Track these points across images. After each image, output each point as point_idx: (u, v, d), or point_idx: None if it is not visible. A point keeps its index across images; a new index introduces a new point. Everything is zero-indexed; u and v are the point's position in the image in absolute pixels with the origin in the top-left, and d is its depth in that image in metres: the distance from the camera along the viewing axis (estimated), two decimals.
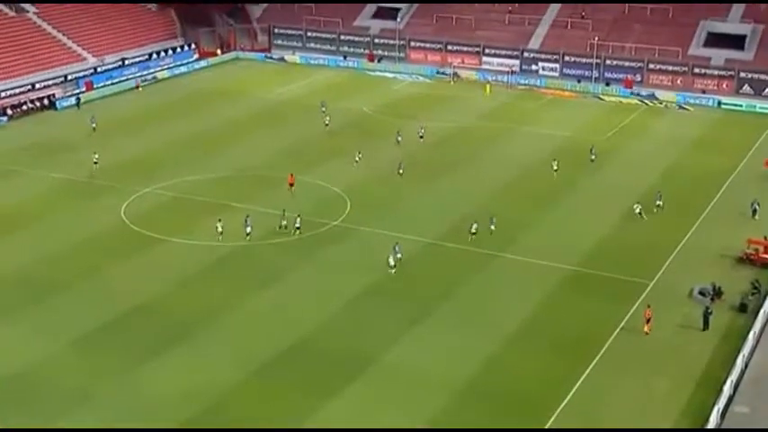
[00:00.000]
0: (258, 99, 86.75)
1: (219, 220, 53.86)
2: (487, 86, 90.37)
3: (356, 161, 66.57)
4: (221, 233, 52.85)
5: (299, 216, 54.38)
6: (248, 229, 52.88)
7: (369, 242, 53.01)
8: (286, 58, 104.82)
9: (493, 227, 53.85)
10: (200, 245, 52.40)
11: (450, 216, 57.44)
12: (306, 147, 71.71)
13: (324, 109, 77.35)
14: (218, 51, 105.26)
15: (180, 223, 55.50)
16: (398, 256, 48.85)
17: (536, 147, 72.17)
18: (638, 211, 56.62)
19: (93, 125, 74.82)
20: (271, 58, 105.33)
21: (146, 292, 46.81)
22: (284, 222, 54.30)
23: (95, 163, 64.86)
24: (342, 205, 58.64)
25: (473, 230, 53.06)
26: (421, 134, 70.00)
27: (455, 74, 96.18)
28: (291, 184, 59.66)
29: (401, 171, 64.06)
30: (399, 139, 72.01)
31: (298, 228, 53.67)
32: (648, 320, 42.74)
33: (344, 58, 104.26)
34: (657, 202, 58.24)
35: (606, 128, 78.17)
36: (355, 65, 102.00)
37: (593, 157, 67.58)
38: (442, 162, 67.78)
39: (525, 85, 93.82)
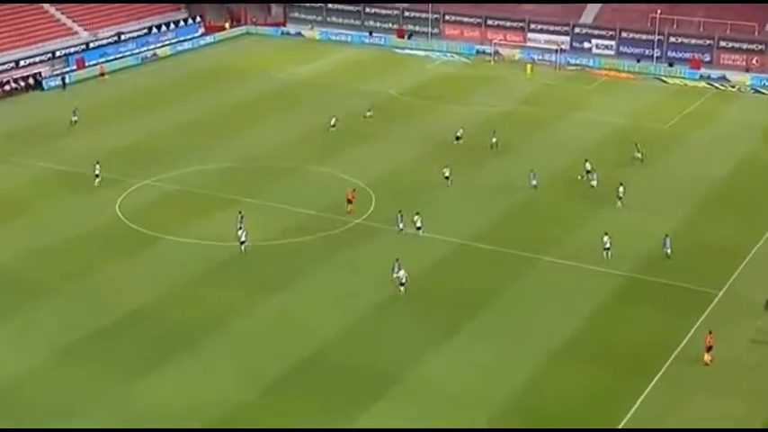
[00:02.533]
0: (271, 80, 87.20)
1: (241, 214, 53.81)
2: (529, 67, 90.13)
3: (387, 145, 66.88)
4: (243, 240, 52.07)
5: (418, 213, 53.55)
6: (240, 233, 52.05)
7: (396, 243, 53.14)
8: (303, 33, 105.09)
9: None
10: (204, 244, 52.81)
11: (486, 213, 57.54)
12: (324, 134, 72.02)
13: (369, 113, 75.28)
14: (227, 25, 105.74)
15: (181, 219, 55.94)
16: (399, 274, 47.38)
17: (587, 135, 71.92)
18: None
19: (75, 118, 72.84)
20: (287, 33, 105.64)
21: (142, 297, 47.21)
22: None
23: (96, 175, 61.93)
24: (366, 201, 58.81)
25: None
26: (458, 135, 68.99)
27: (496, 52, 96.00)
28: (350, 201, 57.12)
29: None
30: (369, 114, 73.07)
31: (419, 228, 53.14)
32: (709, 348, 41.82)
33: (370, 34, 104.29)
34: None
35: (669, 114, 77.80)
36: (382, 42, 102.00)
37: (638, 155, 65.68)
38: (480, 151, 67.87)
39: (576, 65, 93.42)
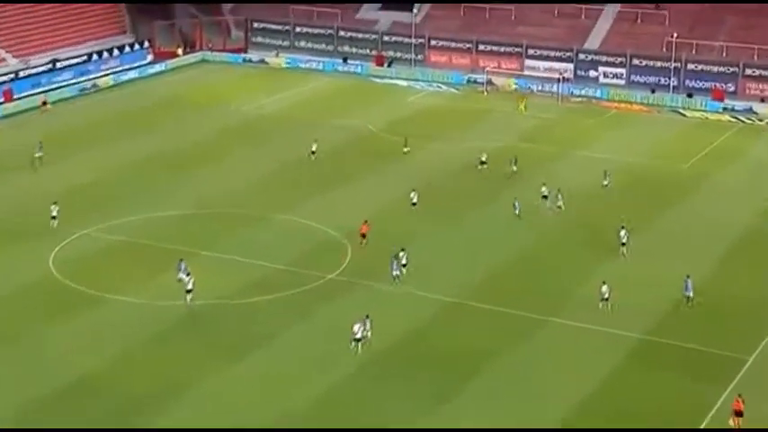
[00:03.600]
0: (231, 114, 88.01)
1: (181, 261, 54.63)
2: (523, 102, 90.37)
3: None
4: (190, 288, 53.13)
5: (403, 250, 55.15)
6: (188, 280, 52.73)
7: (375, 300, 53.39)
8: (268, 60, 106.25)
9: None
10: (155, 305, 52.79)
11: (480, 264, 58.07)
12: (295, 176, 72.61)
13: (314, 149, 76.19)
14: (180, 51, 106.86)
15: (127, 276, 55.99)
16: (360, 335, 48.08)
17: (593, 176, 72.71)
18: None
19: (39, 153, 73.58)
20: (248, 60, 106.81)
21: (79, 368, 46.87)
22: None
23: (53, 217, 62.25)
24: (340, 252, 59.25)
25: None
26: (483, 159, 71.51)
27: (489, 82, 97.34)
28: (364, 235, 59.42)
29: (414, 202, 65.57)
30: (406, 150, 76.06)
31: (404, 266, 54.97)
32: (739, 414, 42.28)
33: (344, 60, 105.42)
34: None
35: (688, 152, 78.87)
36: (359, 70, 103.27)
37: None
38: (471, 194, 68.56)
39: (581, 96, 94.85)
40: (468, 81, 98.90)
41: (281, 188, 70.01)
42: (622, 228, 59.59)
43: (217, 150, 78.15)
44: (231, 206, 66.53)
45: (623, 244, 59.09)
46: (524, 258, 59.21)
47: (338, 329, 49.54)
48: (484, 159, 73.24)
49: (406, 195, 66.96)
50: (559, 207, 65.19)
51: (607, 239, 60.60)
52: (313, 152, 75.42)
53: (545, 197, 65.73)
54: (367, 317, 48.86)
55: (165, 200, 67.31)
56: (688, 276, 53.54)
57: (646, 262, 58.36)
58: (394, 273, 55.30)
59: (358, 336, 48.02)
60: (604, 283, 52.82)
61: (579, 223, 64.37)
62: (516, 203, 64.58)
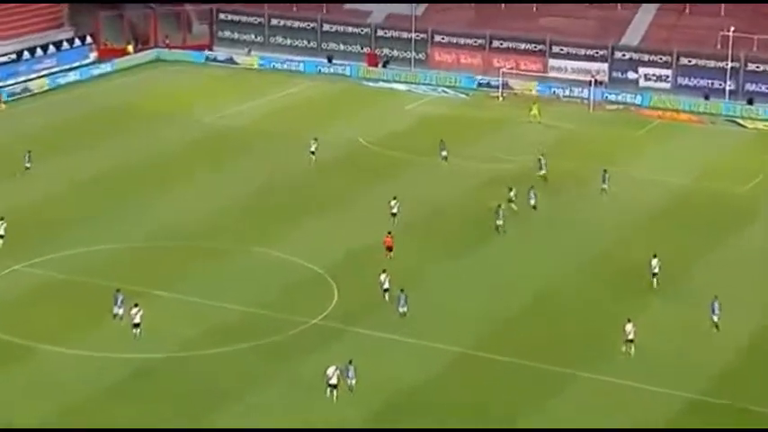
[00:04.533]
0: (193, 125, 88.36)
1: (137, 307, 54.65)
2: (535, 106, 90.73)
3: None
4: (137, 322, 53.54)
5: (402, 291, 56.07)
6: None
7: (367, 350, 53.56)
8: (237, 59, 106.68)
9: None
10: (99, 357, 52.86)
11: (493, 306, 58.30)
12: (271, 200, 72.84)
13: (314, 148, 79.28)
14: (130, 48, 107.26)
15: (66, 322, 55.87)
16: (335, 380, 48.95)
17: (633, 200, 73.02)
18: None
19: (28, 164, 76.03)
20: (214, 59, 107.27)
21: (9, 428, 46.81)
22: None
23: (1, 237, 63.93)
24: (325, 293, 59.35)
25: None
26: (542, 171, 74.23)
27: (505, 85, 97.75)
28: (390, 248, 63.07)
29: (394, 212, 67.53)
30: (444, 155, 78.42)
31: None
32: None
33: (329, 60, 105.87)
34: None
35: (748, 171, 79.16)
36: (347, 71, 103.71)
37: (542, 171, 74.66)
38: (480, 222, 68.82)
39: (617, 103, 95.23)
40: (480, 85, 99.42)
41: (253, 216, 70.22)
42: (654, 256, 60.07)
43: (175, 170, 78.33)
44: (193, 237, 66.67)
45: (654, 275, 59.68)
46: (543, 297, 59.51)
47: (322, 388, 49.56)
48: (543, 171, 75.60)
49: (404, 223, 67.33)
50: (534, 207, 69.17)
51: (645, 275, 60.95)
52: (312, 152, 77.49)
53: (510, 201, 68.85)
54: (350, 362, 49.13)
55: (112, 229, 67.36)
56: (716, 297, 54.71)
57: (689, 303, 58.41)
58: (401, 309, 56.02)
59: (333, 381, 48.60)
60: (629, 320, 53.16)
61: (611, 256, 64.71)
62: (500, 212, 66.77)
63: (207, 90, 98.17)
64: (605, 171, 74.51)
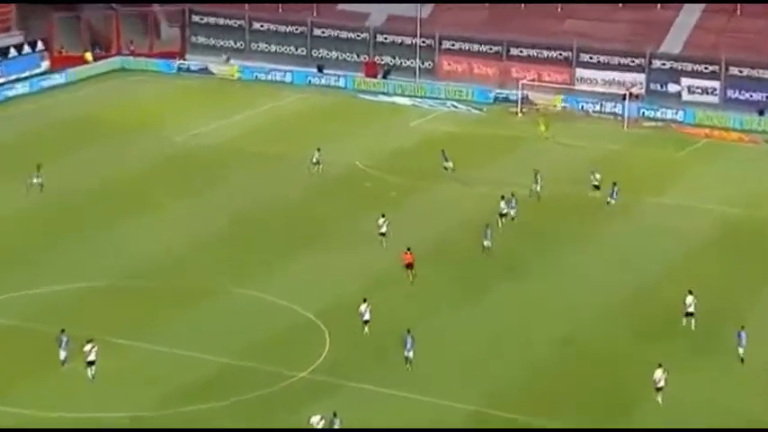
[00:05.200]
0: (163, 144, 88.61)
1: (90, 343, 54.50)
2: (542, 120, 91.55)
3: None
4: (92, 359, 53.48)
5: (409, 331, 56.46)
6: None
7: (364, 408, 53.27)
8: (213, 69, 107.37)
9: None
10: (42, 417, 52.24)
11: (511, 356, 58.20)
12: (253, 232, 72.83)
13: (316, 158, 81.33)
14: (88, 56, 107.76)
15: (13, 376, 55.31)
16: (312, 421, 49.50)
17: (674, 233, 72.96)
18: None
19: (38, 180, 77.59)
20: (186, 69, 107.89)
21: None
22: None
23: None
24: (315, 341, 59.23)
25: None
26: (596, 182, 76.84)
27: (525, 99, 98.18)
28: (410, 266, 65.30)
29: (383, 232, 69.62)
30: (448, 165, 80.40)
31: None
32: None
33: (321, 69, 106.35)
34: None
35: None
36: (341, 83, 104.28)
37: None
38: (492, 262, 68.88)
39: (656, 120, 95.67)
40: (496, 99, 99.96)
41: (232, 250, 70.11)
42: (690, 293, 60.14)
43: (141, 197, 78.32)
44: (162, 275, 66.47)
45: (689, 314, 59.84)
46: (566, 342, 59.43)
47: None
48: (597, 183, 77.17)
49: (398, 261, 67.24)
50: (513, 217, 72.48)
51: (702, 338, 60.49)
52: (316, 163, 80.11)
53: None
54: (335, 415, 49.13)
55: (65, 266, 67.19)
56: (743, 328, 55.72)
57: (727, 347, 58.12)
58: (406, 353, 56.18)
59: (318, 425, 49.06)
60: (660, 366, 53.18)
61: (643, 293, 64.62)
62: (487, 232, 69.16)
63: (178, 104, 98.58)
64: (615, 184, 75.85)
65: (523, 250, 70.41)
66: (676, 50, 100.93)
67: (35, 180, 77.14)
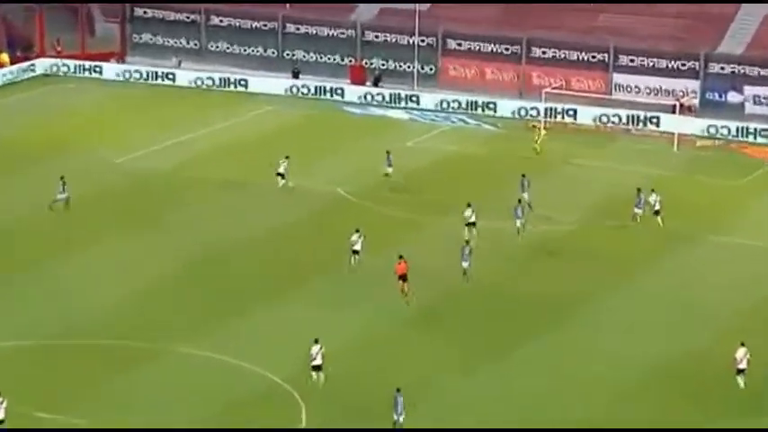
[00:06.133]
0: (97, 168, 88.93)
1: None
2: (537, 131, 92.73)
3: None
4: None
5: (399, 390, 56.13)
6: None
7: None
8: (162, 73, 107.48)
9: None
10: None
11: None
12: (210, 277, 72.67)
13: (283, 168, 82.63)
14: (5, 57, 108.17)
15: None
16: None
17: (735, 280, 72.90)
18: None
19: (64, 195, 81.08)
20: (127, 74, 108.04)
21: None
22: None
23: None
24: (288, 412, 59.04)
25: None
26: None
27: (550, 112, 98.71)
28: (403, 277, 68.49)
29: (356, 249, 70.28)
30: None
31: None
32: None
33: (296, 75, 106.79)
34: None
35: None
36: (322, 92, 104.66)
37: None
38: (511, 311, 68.93)
39: (713, 137, 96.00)
40: (515, 112, 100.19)
41: (185, 301, 69.65)
42: (742, 345, 60.22)
43: (69, 233, 78.38)
44: (95, 332, 65.98)
45: (740, 371, 60.04)
46: (599, 411, 59.22)
47: None
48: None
49: (405, 309, 67.42)
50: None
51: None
52: (281, 175, 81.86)
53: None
54: None
55: None
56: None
57: None
58: (396, 417, 56.39)
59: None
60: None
61: (694, 350, 64.50)
62: (466, 249, 72.13)
63: (117, 118, 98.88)
64: (639, 190, 78.34)
65: (546, 296, 70.61)
66: (738, 51, 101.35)
67: (60, 196, 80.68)
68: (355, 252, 72.49)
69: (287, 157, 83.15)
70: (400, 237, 77.41)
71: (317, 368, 59.81)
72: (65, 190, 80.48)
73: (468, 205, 76.40)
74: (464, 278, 71.47)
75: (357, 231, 72.45)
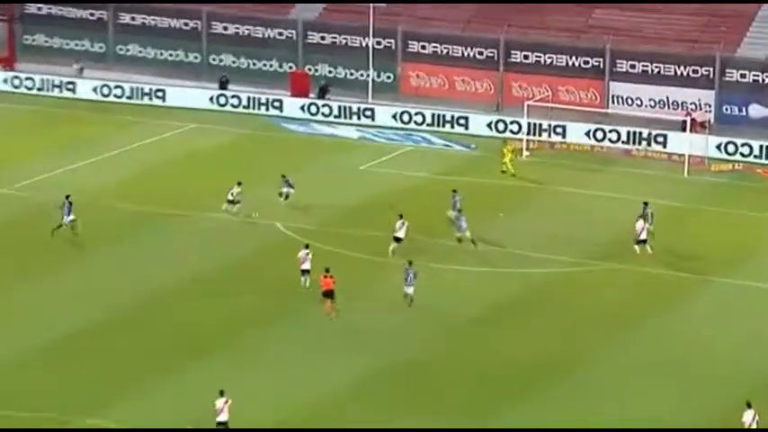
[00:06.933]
0: None
1: None
2: (507, 151, 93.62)
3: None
4: None
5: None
6: None
7: None
8: (59, 83, 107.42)
9: None
10: None
11: None
12: (118, 334, 72.11)
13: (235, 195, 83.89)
14: None
15: None
16: None
17: (755, 329, 73.06)
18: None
19: (70, 218, 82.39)
20: (16, 84, 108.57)
21: None
22: None
23: None
24: None
25: None
26: None
27: (534, 129, 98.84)
28: (329, 294, 72.30)
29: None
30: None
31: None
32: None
33: (223, 86, 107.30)
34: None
35: None
36: (256, 106, 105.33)
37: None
38: (492, 376, 68.50)
39: (731, 160, 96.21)
40: (491, 128, 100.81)
41: (90, 369, 68.69)
42: (748, 406, 60.35)
43: None
44: None
45: None
46: None
47: None
48: None
49: (352, 378, 66.96)
50: None
51: None
52: (232, 201, 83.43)
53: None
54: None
55: None
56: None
57: None
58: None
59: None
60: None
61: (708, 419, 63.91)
62: (410, 272, 73.64)
63: (5, 138, 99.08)
64: (646, 204, 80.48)
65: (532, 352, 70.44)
66: (760, 56, 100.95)
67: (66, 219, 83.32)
68: (305, 272, 75.66)
69: (239, 183, 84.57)
70: (349, 280, 76.11)
71: (222, 425, 60.85)
72: (70, 212, 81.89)
73: (400, 217, 79.36)
74: (406, 304, 73.40)
75: (306, 247, 76.28)
